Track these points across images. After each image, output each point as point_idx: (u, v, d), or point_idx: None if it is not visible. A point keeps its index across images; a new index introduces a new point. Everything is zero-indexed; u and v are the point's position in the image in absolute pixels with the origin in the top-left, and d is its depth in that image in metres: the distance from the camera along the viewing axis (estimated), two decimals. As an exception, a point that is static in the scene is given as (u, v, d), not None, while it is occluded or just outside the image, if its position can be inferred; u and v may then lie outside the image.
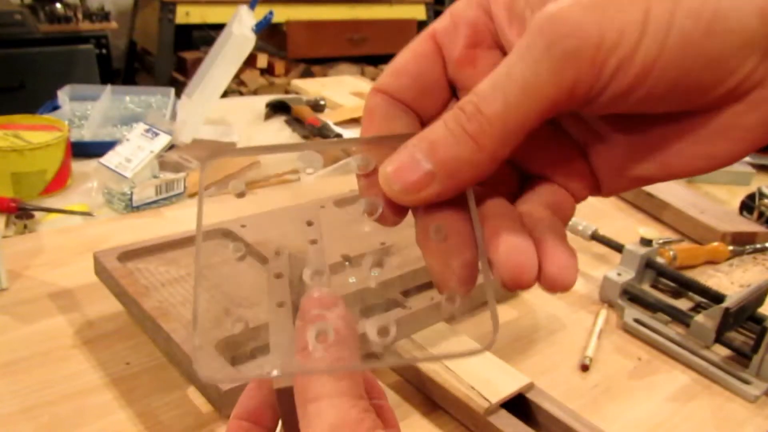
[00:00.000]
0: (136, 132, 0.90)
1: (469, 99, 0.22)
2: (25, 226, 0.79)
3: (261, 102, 1.31)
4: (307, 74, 3.18)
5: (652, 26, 0.20)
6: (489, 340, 0.23)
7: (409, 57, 0.26)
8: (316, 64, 3.31)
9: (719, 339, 0.65)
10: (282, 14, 3.09)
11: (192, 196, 0.92)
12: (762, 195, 0.95)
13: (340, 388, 0.24)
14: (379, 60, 3.54)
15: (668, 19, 0.20)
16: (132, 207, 0.85)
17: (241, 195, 0.27)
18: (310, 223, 0.30)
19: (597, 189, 0.27)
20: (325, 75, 3.18)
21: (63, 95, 1.13)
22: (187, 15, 2.92)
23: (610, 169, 0.26)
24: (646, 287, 0.76)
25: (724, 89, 0.21)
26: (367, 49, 3.44)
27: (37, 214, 0.82)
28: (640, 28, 0.20)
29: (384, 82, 0.26)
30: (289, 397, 0.27)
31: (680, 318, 0.68)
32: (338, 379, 0.25)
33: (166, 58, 2.97)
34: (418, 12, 3.58)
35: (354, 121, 1.29)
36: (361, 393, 0.25)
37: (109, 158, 0.87)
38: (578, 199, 0.27)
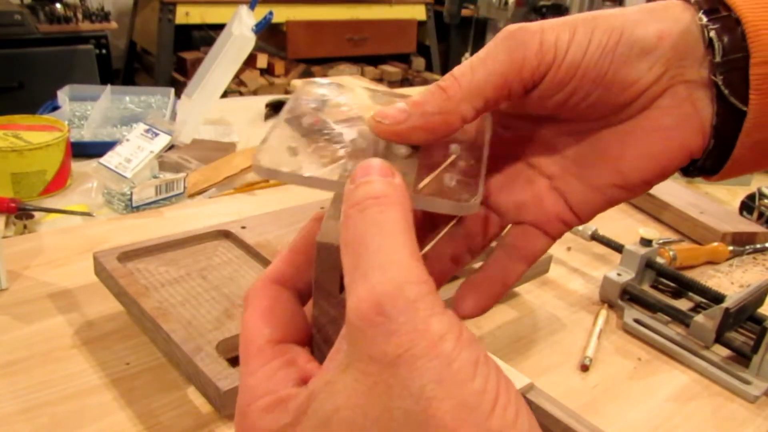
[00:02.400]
0: (135, 132, 0.90)
1: (446, 76, 0.28)
2: (25, 227, 0.79)
3: (261, 102, 1.31)
4: (307, 74, 3.19)
5: (577, 38, 0.28)
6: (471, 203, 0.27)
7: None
8: (316, 64, 3.31)
9: (719, 339, 0.65)
10: (282, 14, 3.09)
11: (192, 196, 0.92)
12: (762, 195, 0.95)
13: (404, 243, 0.22)
14: (379, 60, 3.54)
15: (589, 34, 0.28)
16: (132, 207, 0.85)
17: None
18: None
19: (573, 219, 0.32)
20: (325, 75, 3.19)
21: (63, 95, 1.13)
22: (186, 15, 2.92)
23: (576, 188, 0.31)
24: (646, 287, 0.76)
25: (635, 90, 0.28)
26: (367, 49, 3.44)
27: (36, 214, 0.82)
28: (569, 39, 0.28)
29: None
30: (330, 255, 0.26)
31: (680, 318, 0.68)
32: (403, 231, 0.22)
33: (165, 58, 2.97)
34: (418, 12, 3.58)
35: (354, 122, 1.28)
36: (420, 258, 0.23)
37: (109, 158, 0.87)
38: (552, 234, 0.32)
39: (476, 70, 0.28)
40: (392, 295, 0.20)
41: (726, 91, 0.28)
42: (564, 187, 0.31)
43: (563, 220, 0.32)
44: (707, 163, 0.30)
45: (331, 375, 0.22)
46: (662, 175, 0.30)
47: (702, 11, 0.28)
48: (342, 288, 0.25)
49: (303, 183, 0.28)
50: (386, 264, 0.21)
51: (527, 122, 0.32)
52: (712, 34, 0.28)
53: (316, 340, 0.28)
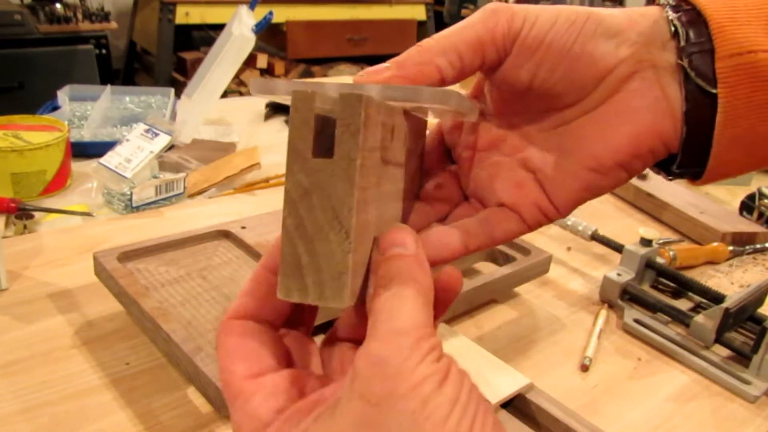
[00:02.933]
0: (135, 132, 0.90)
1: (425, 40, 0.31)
2: (25, 227, 0.79)
3: (261, 102, 1.31)
4: (306, 74, 3.19)
5: (546, 14, 0.30)
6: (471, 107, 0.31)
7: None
8: (316, 64, 3.31)
9: (719, 339, 0.65)
10: (282, 14, 3.09)
11: (192, 196, 0.92)
12: (762, 195, 0.95)
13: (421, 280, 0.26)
14: (378, 60, 3.53)
15: (557, 10, 0.30)
16: (132, 207, 0.85)
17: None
18: None
19: (549, 207, 0.33)
20: (324, 75, 3.19)
21: (63, 95, 1.13)
22: (186, 15, 2.92)
23: (553, 176, 0.32)
24: (646, 287, 0.76)
25: (602, 67, 0.30)
26: (367, 49, 3.44)
27: (36, 214, 0.82)
28: (538, 12, 0.30)
29: None
30: (306, 104, 0.26)
31: (680, 318, 0.68)
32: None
33: (165, 58, 2.97)
34: (418, 12, 3.58)
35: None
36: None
37: (109, 158, 0.87)
38: (528, 221, 0.33)
39: (452, 31, 0.31)
40: (394, 348, 0.23)
41: (692, 74, 0.29)
42: (542, 177, 0.33)
43: (540, 207, 0.32)
44: (687, 160, 0.30)
45: (326, 409, 0.24)
46: (636, 157, 0.30)
47: (669, 6, 0.30)
48: (317, 150, 0.26)
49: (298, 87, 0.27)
50: (400, 330, 0.24)
51: (512, 119, 0.34)
52: (677, 23, 0.29)
53: (287, 226, 0.26)
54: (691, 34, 0.29)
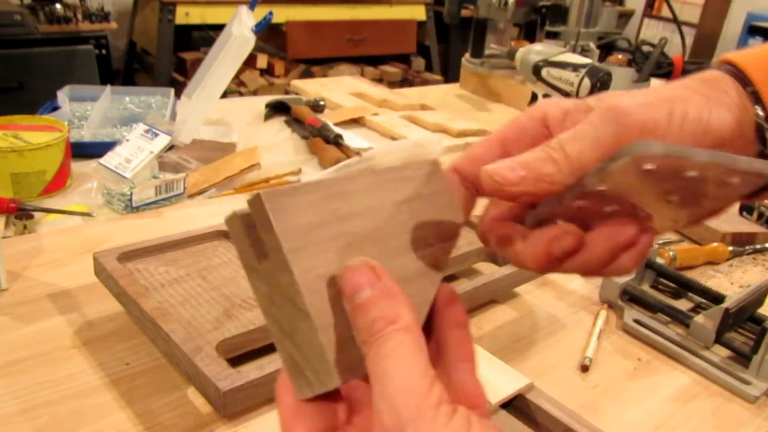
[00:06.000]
0: (135, 132, 0.90)
1: (554, 140, 0.31)
2: (25, 227, 0.79)
3: (261, 102, 1.31)
4: (306, 75, 3.19)
5: (674, 122, 0.31)
6: None
7: (483, 149, 0.35)
8: (315, 64, 3.31)
9: (719, 339, 0.65)
10: (282, 14, 3.09)
11: (192, 196, 0.92)
12: (762, 195, 0.95)
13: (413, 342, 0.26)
14: (378, 60, 3.55)
15: (682, 119, 0.31)
16: (132, 207, 0.85)
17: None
18: None
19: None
20: (324, 75, 3.19)
21: (62, 96, 1.13)
22: (186, 15, 2.92)
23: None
24: (645, 288, 0.76)
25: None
26: (366, 50, 3.44)
27: (36, 214, 0.82)
28: (667, 120, 0.31)
29: (460, 163, 0.35)
30: (236, 226, 0.27)
31: (680, 318, 0.68)
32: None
33: (165, 58, 2.97)
34: (418, 12, 3.58)
35: (353, 122, 1.29)
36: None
37: (109, 159, 0.87)
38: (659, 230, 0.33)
39: (585, 149, 0.30)
40: (409, 412, 0.24)
41: None
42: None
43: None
44: None
45: None
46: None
47: (757, 104, 0.33)
48: (260, 256, 0.27)
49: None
50: (405, 390, 0.25)
51: None
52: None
53: (273, 333, 0.28)
54: None
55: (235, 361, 0.54)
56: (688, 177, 0.28)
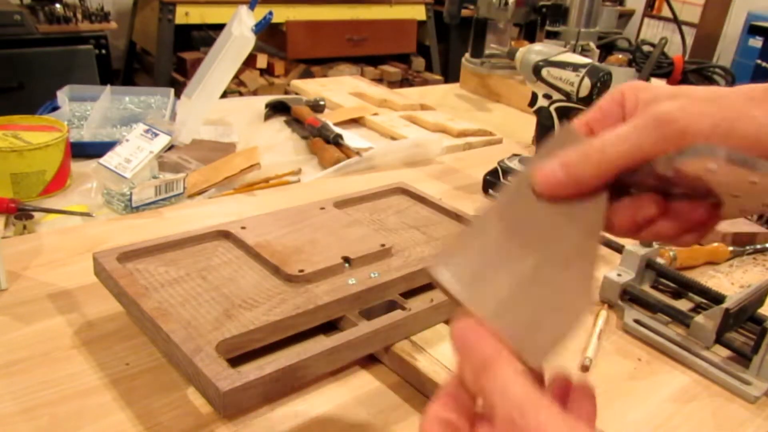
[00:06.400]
0: (135, 132, 0.90)
1: (598, 140, 0.34)
2: (25, 227, 0.79)
3: (261, 102, 1.31)
4: (306, 74, 3.19)
5: (719, 129, 0.31)
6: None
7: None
8: (315, 64, 3.31)
9: (719, 340, 0.65)
10: (282, 14, 3.10)
11: (192, 196, 0.92)
12: (762, 195, 0.95)
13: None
14: (378, 60, 3.54)
15: (728, 131, 0.31)
16: (131, 207, 0.85)
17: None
18: None
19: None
20: (324, 75, 3.19)
21: (62, 96, 1.13)
22: (186, 15, 2.92)
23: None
24: (646, 288, 0.76)
25: None
26: (366, 50, 3.44)
27: (36, 214, 0.82)
28: (710, 127, 0.31)
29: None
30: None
31: (680, 319, 0.68)
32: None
33: (165, 58, 2.97)
34: (418, 12, 3.58)
35: (353, 122, 1.29)
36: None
37: (109, 159, 0.87)
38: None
39: (625, 151, 0.33)
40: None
41: None
42: None
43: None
44: None
45: None
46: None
47: None
48: None
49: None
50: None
51: None
52: None
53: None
54: None
55: (235, 361, 0.54)
56: (749, 181, 0.30)
